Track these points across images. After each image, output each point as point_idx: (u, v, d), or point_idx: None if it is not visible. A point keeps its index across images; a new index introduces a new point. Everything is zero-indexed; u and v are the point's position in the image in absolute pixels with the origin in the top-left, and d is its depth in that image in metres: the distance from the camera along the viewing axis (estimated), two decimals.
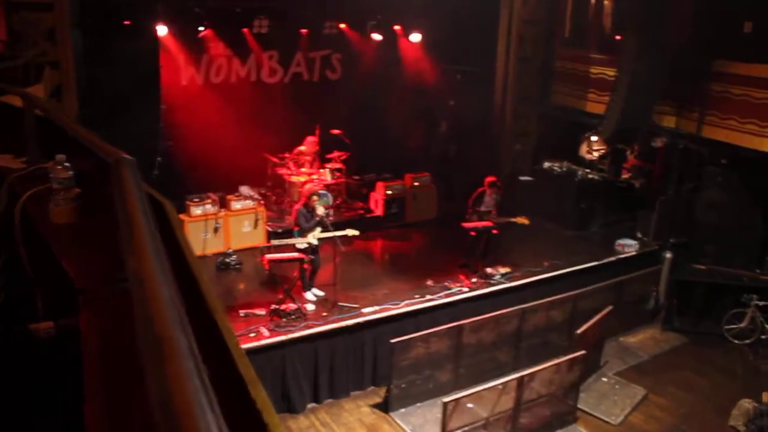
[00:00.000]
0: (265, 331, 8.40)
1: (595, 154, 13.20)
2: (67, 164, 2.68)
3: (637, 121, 12.23)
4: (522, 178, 13.75)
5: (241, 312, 8.74)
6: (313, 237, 9.14)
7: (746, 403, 8.68)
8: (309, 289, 9.40)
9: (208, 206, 10.74)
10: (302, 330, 8.50)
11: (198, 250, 10.23)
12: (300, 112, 12.39)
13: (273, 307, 8.78)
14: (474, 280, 10.23)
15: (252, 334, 8.27)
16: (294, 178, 11.74)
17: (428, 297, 9.59)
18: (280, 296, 8.89)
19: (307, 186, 9.59)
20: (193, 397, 0.84)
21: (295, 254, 9.00)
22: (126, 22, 9.83)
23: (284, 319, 8.68)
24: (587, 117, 13.28)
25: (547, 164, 13.46)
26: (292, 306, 8.83)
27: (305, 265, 9.07)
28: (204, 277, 1.32)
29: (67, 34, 8.55)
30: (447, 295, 9.66)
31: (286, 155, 11.92)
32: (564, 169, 13.21)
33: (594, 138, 13.34)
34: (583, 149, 13.79)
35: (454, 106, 14.22)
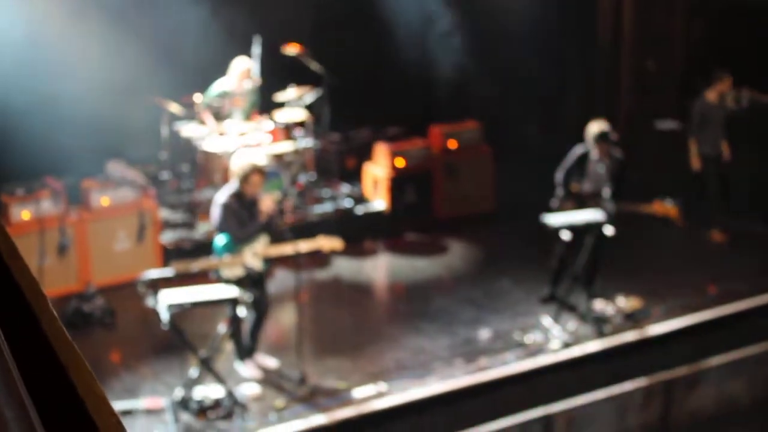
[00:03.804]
0: None
1: None
2: None
3: None
4: (661, 124, 13.78)
5: (117, 406, 8.83)
6: (255, 256, 9.21)
7: None
8: (248, 358, 9.49)
9: (45, 204, 10.85)
10: None
11: None
12: (220, 9, 12.45)
13: (178, 395, 8.84)
14: (571, 326, 10.28)
15: None
16: (212, 144, 11.84)
17: (482, 363, 9.68)
18: (193, 374, 8.93)
19: (240, 157, 9.63)
20: None
21: (221, 291, 9.07)
22: None
23: (202, 418, 8.73)
24: None
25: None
26: (216, 392, 8.88)
27: (240, 312, 9.16)
28: (60, 325, 1.46)
29: None
30: (520, 358, 9.74)
31: (196, 99, 12.00)
32: (744, 102, 13.18)
33: None
34: None
35: None
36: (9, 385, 1.13)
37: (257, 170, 9.29)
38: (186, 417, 8.70)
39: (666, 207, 10.54)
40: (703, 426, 9.93)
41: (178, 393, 8.82)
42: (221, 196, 9.40)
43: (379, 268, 12.18)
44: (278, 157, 11.96)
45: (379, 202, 12.73)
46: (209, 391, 8.88)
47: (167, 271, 9.54)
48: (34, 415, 1.15)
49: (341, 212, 12.49)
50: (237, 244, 9.18)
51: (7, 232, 1.55)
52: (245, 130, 11.89)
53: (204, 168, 12.01)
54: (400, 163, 12.72)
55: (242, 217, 9.22)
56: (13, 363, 1.18)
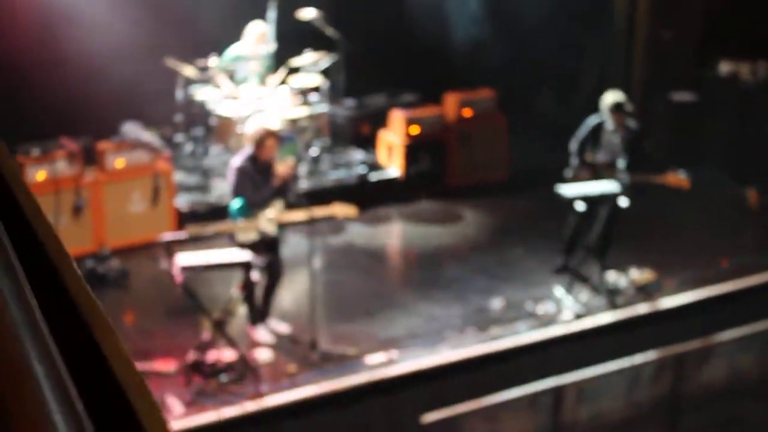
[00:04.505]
0: (176, 406, 8.50)
1: None
2: None
3: None
4: (676, 95, 13.71)
5: None
6: (269, 221, 9.23)
7: None
8: (261, 322, 9.53)
9: (61, 165, 10.88)
10: (249, 402, 8.59)
11: None
12: None
13: (191, 358, 8.90)
14: (583, 297, 10.31)
15: None
16: (227, 108, 11.83)
17: (494, 332, 9.72)
18: (205, 337, 8.99)
19: (254, 122, 9.63)
20: None
21: (235, 254, 9.10)
22: None
23: (214, 381, 8.78)
24: None
25: (726, 67, 13.38)
26: (229, 356, 8.94)
27: (253, 277, 9.19)
28: (84, 285, 1.48)
29: None
30: (532, 328, 9.79)
31: (211, 62, 11.98)
32: (762, 75, 13.15)
33: None
34: None
35: None
36: (40, 340, 1.16)
37: (272, 134, 9.31)
38: (198, 380, 8.75)
39: (679, 178, 10.51)
40: (715, 399, 9.94)
41: (191, 356, 8.87)
42: (236, 160, 9.43)
43: (393, 235, 12.20)
44: (293, 122, 11.96)
45: (393, 169, 12.72)
46: (221, 355, 8.93)
47: (181, 234, 9.58)
48: (63, 371, 1.18)
49: (356, 179, 12.50)
50: (251, 208, 9.19)
51: (31, 194, 1.58)
52: (260, 94, 11.90)
53: (218, 132, 12.03)
54: (415, 130, 12.69)
55: (257, 182, 9.23)
56: (43, 321, 1.21)
